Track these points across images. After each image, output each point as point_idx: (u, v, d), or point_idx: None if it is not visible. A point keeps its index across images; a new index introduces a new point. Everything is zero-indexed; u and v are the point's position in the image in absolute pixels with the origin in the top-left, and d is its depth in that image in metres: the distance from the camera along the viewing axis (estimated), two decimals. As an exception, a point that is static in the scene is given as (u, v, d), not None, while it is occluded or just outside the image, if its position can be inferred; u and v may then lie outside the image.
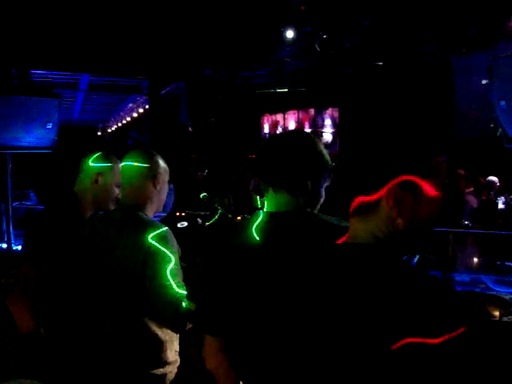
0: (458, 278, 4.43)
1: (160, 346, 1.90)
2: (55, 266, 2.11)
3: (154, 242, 1.80)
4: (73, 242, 2.07)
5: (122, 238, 1.87)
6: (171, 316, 1.79)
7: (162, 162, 2.04)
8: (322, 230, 1.37)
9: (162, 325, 1.88)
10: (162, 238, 1.82)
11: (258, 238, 1.42)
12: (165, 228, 1.88)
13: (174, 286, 1.78)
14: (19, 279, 2.16)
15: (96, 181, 2.28)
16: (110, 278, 1.87)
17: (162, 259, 1.78)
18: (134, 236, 1.84)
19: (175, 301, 1.77)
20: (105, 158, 2.33)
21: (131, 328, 1.86)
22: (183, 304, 1.76)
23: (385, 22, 8.84)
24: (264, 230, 1.43)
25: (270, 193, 1.48)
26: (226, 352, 1.49)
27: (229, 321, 1.45)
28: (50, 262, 2.11)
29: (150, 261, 1.79)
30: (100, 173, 2.28)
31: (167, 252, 1.80)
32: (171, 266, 1.80)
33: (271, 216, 1.46)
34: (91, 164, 2.30)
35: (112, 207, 2.29)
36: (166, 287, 1.77)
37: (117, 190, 2.30)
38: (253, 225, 1.46)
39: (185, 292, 1.78)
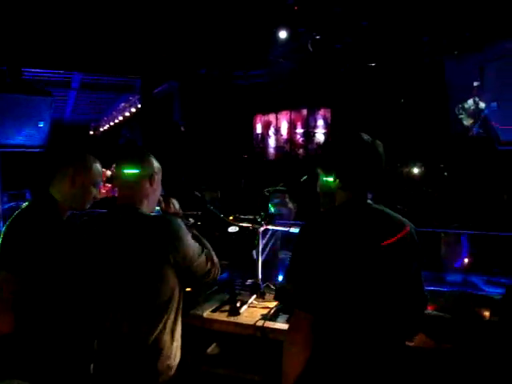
0: (448, 278, 4.47)
1: (169, 347, 1.94)
2: (36, 271, 2.06)
3: (170, 232, 1.91)
4: (52, 245, 2.03)
5: (133, 236, 1.86)
6: (210, 270, 2.12)
7: (155, 162, 2.08)
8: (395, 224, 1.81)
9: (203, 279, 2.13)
10: (174, 225, 1.96)
11: (344, 227, 1.70)
12: (169, 217, 2.04)
13: (201, 250, 2.06)
14: None
15: (73, 181, 2.23)
16: (123, 278, 1.86)
17: (182, 241, 1.94)
18: (148, 232, 1.85)
19: (209, 256, 2.11)
20: (81, 158, 2.30)
21: (143, 329, 1.86)
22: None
23: (378, 24, 8.88)
24: (348, 219, 1.72)
25: (340, 189, 1.79)
26: (312, 331, 1.68)
27: (322, 299, 1.66)
28: (30, 267, 2.06)
29: (175, 245, 1.91)
30: (77, 173, 2.24)
31: (184, 236, 1.96)
32: (190, 239, 2.01)
33: (351, 208, 1.76)
34: (68, 164, 2.26)
35: (88, 207, 2.30)
36: (201, 253, 2.05)
37: (94, 190, 2.29)
38: (339, 215, 1.76)
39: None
